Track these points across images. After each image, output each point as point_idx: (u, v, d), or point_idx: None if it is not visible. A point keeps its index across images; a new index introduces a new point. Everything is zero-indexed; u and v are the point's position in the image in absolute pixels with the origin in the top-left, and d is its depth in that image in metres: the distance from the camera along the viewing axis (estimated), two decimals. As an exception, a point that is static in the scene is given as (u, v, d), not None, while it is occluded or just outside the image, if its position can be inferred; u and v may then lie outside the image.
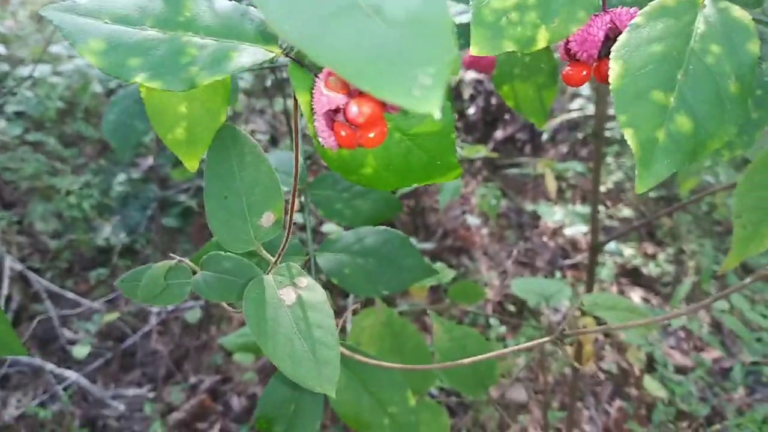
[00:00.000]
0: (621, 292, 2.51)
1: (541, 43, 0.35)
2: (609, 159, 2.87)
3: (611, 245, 2.40)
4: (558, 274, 2.48)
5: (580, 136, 2.95)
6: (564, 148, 2.94)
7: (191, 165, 0.44)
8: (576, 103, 2.85)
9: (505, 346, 2.21)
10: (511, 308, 2.37)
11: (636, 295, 2.50)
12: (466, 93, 2.91)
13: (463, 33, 0.57)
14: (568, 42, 0.38)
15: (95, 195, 2.42)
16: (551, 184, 2.04)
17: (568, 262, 2.56)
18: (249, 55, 0.30)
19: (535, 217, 2.67)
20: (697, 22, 0.33)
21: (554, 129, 2.92)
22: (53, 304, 2.22)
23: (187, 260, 0.52)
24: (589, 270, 1.58)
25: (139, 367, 2.14)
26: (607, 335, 2.31)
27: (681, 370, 2.21)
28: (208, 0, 0.32)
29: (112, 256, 2.37)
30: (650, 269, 2.55)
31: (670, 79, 0.32)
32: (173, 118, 0.43)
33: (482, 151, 1.58)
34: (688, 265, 2.58)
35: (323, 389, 0.33)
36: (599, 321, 1.45)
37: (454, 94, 2.96)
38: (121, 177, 2.50)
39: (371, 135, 0.29)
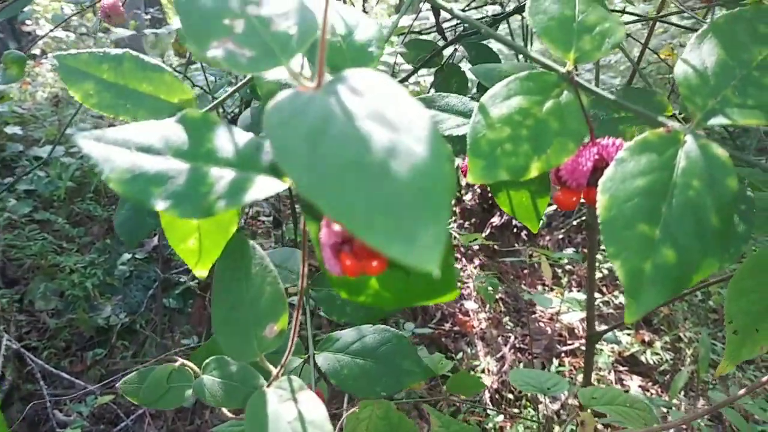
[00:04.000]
0: (619, 380, 2.47)
1: (534, 173, 0.38)
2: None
3: (609, 334, 2.38)
4: (555, 361, 2.44)
5: (575, 223, 2.99)
6: (559, 235, 2.96)
7: (201, 274, 0.45)
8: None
9: (504, 436, 2.15)
10: (510, 396, 2.32)
11: (634, 384, 2.45)
12: (464, 180, 2.96)
13: (460, 141, 0.60)
14: (559, 170, 0.40)
15: (99, 274, 2.42)
16: (547, 272, 2.05)
17: (565, 348, 2.53)
18: (264, 186, 0.32)
19: (533, 303, 2.66)
20: (679, 157, 0.35)
21: (549, 216, 2.95)
22: (47, 385, 2.18)
23: (189, 363, 0.52)
24: (587, 361, 1.56)
25: (132, 452, 2.07)
26: (607, 426, 2.25)
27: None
28: (228, 132, 0.35)
29: (111, 336, 2.34)
30: (648, 357, 2.52)
31: (655, 212, 0.34)
32: (186, 230, 0.45)
33: (479, 239, 1.60)
34: (686, 353, 2.54)
35: None
36: (598, 414, 1.42)
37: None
38: (125, 257, 2.51)
39: (374, 264, 0.30)
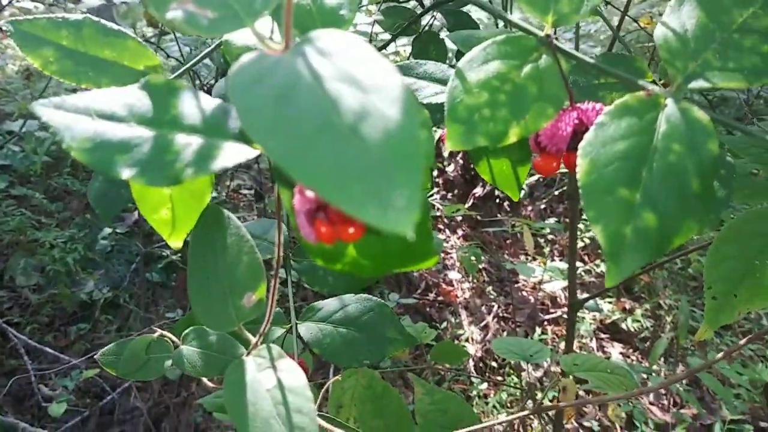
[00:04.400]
0: (600, 347, 2.51)
1: (513, 138, 0.37)
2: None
3: (590, 302, 2.41)
4: (538, 329, 2.47)
5: (556, 193, 3.00)
6: (541, 205, 2.98)
7: (175, 245, 0.44)
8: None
9: (487, 404, 2.18)
10: (493, 364, 2.35)
11: (615, 351, 2.50)
12: (446, 151, 2.95)
13: (439, 109, 0.59)
14: (538, 135, 0.39)
15: (79, 249, 2.39)
16: (529, 242, 2.06)
17: (548, 317, 2.56)
18: (233, 153, 0.31)
19: (515, 272, 2.68)
20: (659, 121, 0.35)
21: (531, 186, 2.96)
22: (31, 360, 2.16)
23: (168, 334, 0.51)
24: (568, 329, 1.58)
25: (117, 425, 2.07)
26: (588, 392, 2.29)
27: (661, 427, 2.18)
28: (194, 97, 0.33)
29: (95, 310, 2.32)
30: (628, 324, 2.56)
31: (635, 176, 0.33)
32: (158, 200, 0.43)
33: (462, 210, 1.60)
34: (666, 320, 2.59)
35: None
36: (579, 380, 1.44)
37: (434, 152, 3.01)
38: (106, 231, 2.48)
39: (350, 230, 0.30)
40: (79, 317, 2.35)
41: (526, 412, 0.65)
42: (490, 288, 2.64)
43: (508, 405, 2.15)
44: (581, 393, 2.28)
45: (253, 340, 0.40)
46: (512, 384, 2.19)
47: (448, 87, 0.37)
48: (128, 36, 0.42)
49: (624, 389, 1.22)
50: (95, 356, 0.55)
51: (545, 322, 2.52)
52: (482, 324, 2.49)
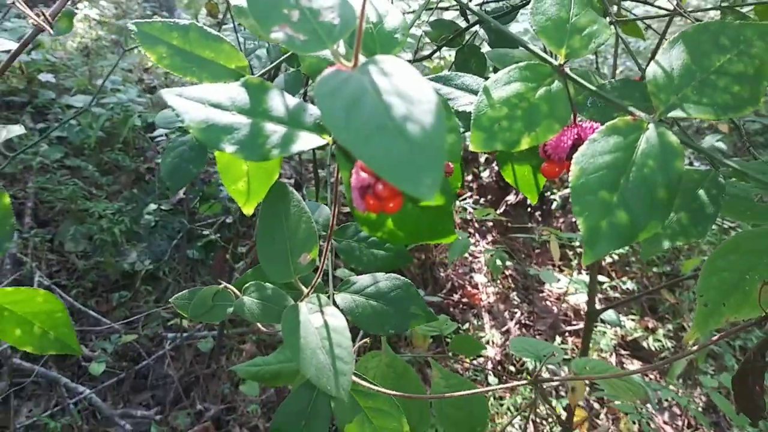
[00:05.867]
0: (620, 363, 2.56)
1: (524, 146, 0.47)
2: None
3: (611, 315, 2.47)
4: (559, 338, 2.54)
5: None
6: (573, 218, 3.03)
7: (248, 211, 0.56)
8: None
9: (501, 405, 2.26)
10: (511, 368, 2.43)
11: (634, 367, 2.55)
12: (482, 157, 3.04)
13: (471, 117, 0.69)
14: (545, 145, 0.49)
15: (126, 222, 2.56)
16: (555, 252, 2.14)
17: (569, 328, 2.62)
18: (308, 140, 0.42)
19: (541, 281, 2.75)
20: (640, 141, 0.45)
21: (564, 198, 3.02)
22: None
23: (231, 286, 0.62)
24: (584, 334, 1.66)
25: (150, 390, 2.22)
26: (602, 404, 2.35)
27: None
28: (280, 95, 0.44)
29: (136, 280, 2.48)
30: (649, 343, 2.61)
31: (615, 183, 0.43)
32: (238, 174, 0.55)
33: (491, 215, 1.69)
34: (687, 342, 2.62)
35: (338, 394, 0.43)
36: (590, 385, 1.51)
37: (470, 157, 3.09)
38: (152, 207, 2.64)
39: (391, 205, 0.40)
40: (120, 285, 2.51)
41: (523, 383, 0.75)
42: (514, 294, 2.72)
43: (522, 408, 2.22)
44: (596, 406, 2.34)
45: (305, 290, 0.51)
46: (526, 389, 2.26)
47: (476, 100, 0.48)
48: (224, 41, 0.53)
49: (632, 396, 1.30)
50: (170, 300, 0.66)
51: (566, 333, 2.59)
52: (504, 329, 2.57)
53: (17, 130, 0.95)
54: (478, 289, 2.69)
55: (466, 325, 2.55)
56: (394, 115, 0.33)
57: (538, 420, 2.19)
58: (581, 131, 0.47)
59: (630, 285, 2.80)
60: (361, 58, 0.39)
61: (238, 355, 2.28)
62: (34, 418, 2.07)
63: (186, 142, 0.90)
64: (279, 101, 0.43)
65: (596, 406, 2.36)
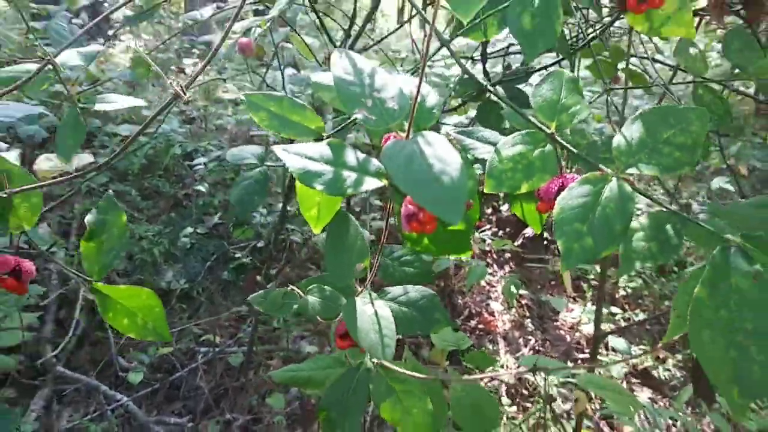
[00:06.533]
0: (630, 390, 2.70)
1: (523, 190, 0.67)
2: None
3: (621, 344, 2.63)
4: (570, 365, 2.70)
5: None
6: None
7: (317, 230, 0.76)
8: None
9: (515, 425, 2.42)
10: (524, 392, 2.59)
11: (644, 395, 2.69)
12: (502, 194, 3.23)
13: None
14: (538, 190, 0.69)
15: (164, 243, 2.78)
16: (568, 282, 2.31)
17: (582, 355, 2.78)
18: (372, 183, 0.62)
19: (555, 310, 2.92)
20: (605, 189, 0.64)
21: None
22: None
23: (297, 288, 0.83)
24: (591, 355, 1.83)
25: (182, 400, 2.41)
26: (611, 427, 2.50)
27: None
28: (353, 151, 0.65)
29: (171, 298, 2.70)
30: (660, 372, 2.75)
31: (585, 218, 0.62)
32: (312, 203, 0.75)
33: (509, 245, 1.88)
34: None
35: (385, 358, 0.62)
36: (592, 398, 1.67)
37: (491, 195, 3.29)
38: (188, 230, 2.87)
39: (428, 227, 0.60)
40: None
41: (524, 371, 0.93)
42: (528, 321, 2.89)
43: (535, 429, 2.38)
44: (603, 427, 2.48)
45: (359, 288, 0.71)
46: (537, 410, 2.42)
47: (489, 156, 0.68)
48: (307, 107, 0.74)
49: (630, 409, 1.47)
50: (248, 298, 0.87)
51: (578, 360, 2.74)
52: (518, 354, 2.73)
53: (87, 158, 1.16)
54: (494, 316, 2.86)
55: (482, 350, 2.72)
56: (434, 171, 0.54)
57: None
58: (565, 180, 0.67)
59: (642, 316, 2.95)
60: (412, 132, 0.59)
61: (265, 369, 2.47)
62: (76, 422, 2.27)
63: (252, 176, 1.11)
64: (352, 155, 0.64)
65: (606, 430, 2.50)
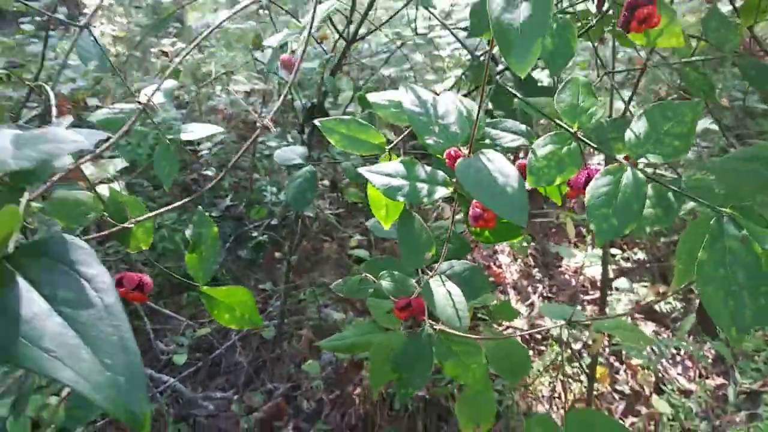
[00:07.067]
0: (634, 324, 2.95)
1: (558, 182, 0.85)
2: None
3: (625, 283, 2.86)
4: (578, 307, 2.93)
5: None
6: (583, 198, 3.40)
7: (387, 226, 0.94)
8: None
9: (532, 367, 2.66)
10: (537, 337, 2.82)
11: (648, 329, 2.93)
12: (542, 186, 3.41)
13: (514, 150, 1.07)
14: (569, 181, 0.87)
15: (184, 230, 2.95)
16: (571, 231, 2.52)
17: (587, 297, 3.01)
18: (441, 191, 0.80)
19: (559, 257, 3.14)
20: (623, 177, 0.82)
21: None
22: (150, 321, 2.72)
23: (369, 275, 1.01)
24: (601, 300, 2.05)
25: (223, 375, 2.62)
26: (621, 361, 2.75)
27: (686, 393, 2.62)
28: (422, 167, 0.83)
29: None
30: (661, 306, 2.99)
31: (611, 203, 0.81)
32: (381, 205, 0.93)
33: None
34: (695, 302, 3.01)
35: (462, 327, 0.81)
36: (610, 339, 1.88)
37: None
38: (204, 215, 3.03)
39: (491, 224, 0.78)
40: (183, 288, 2.91)
41: (555, 326, 1.13)
42: (535, 270, 3.11)
43: (549, 369, 2.62)
44: (616, 364, 2.73)
45: (431, 273, 0.90)
46: (553, 354, 2.66)
47: (528, 158, 0.86)
48: (371, 127, 0.91)
49: (639, 342, 1.68)
50: (331, 286, 1.05)
51: (585, 302, 2.98)
52: (528, 302, 2.96)
53: (120, 163, 1.30)
54: (502, 268, 3.08)
55: (494, 301, 2.94)
56: (498, 182, 0.72)
57: (564, 378, 2.58)
58: (590, 172, 0.85)
59: (641, 255, 3.18)
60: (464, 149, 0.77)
61: (297, 339, 2.68)
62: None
63: (302, 175, 1.29)
64: (422, 170, 0.82)
65: (616, 364, 2.75)
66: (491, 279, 3.05)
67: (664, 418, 2.47)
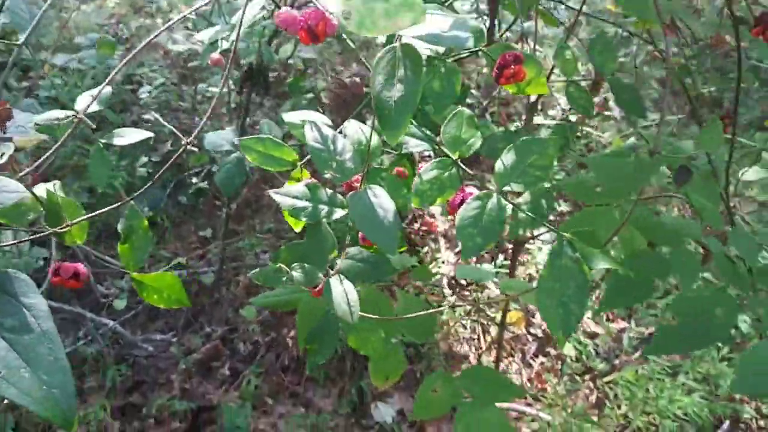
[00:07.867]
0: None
1: (438, 202, 1.04)
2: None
3: (546, 235, 3.14)
4: (502, 256, 3.21)
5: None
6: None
7: (298, 230, 1.12)
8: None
9: (455, 312, 2.94)
10: (462, 282, 3.10)
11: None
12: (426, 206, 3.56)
13: (414, 154, 1.25)
14: (448, 201, 1.06)
15: (123, 175, 3.05)
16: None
17: (511, 246, 3.29)
18: (339, 213, 0.99)
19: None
20: (489, 202, 1.02)
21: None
22: (89, 265, 2.86)
23: (284, 266, 1.20)
24: (512, 261, 2.30)
25: (162, 318, 2.82)
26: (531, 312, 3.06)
27: (592, 335, 2.95)
28: (324, 190, 1.01)
29: (138, 227, 3.01)
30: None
31: (476, 223, 1.01)
32: (294, 222, 1.11)
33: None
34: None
35: (353, 320, 1.02)
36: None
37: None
38: (143, 160, 3.13)
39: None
40: (123, 231, 3.04)
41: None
42: (465, 221, 3.34)
43: (472, 314, 2.91)
44: (531, 308, 3.03)
45: (332, 272, 1.10)
46: (474, 298, 2.94)
47: (415, 182, 1.04)
48: (284, 145, 1.08)
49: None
50: (248, 274, 1.24)
51: (508, 250, 3.26)
52: (457, 250, 3.22)
53: (147, 133, 1.41)
54: (434, 218, 3.31)
55: (425, 249, 3.19)
56: (379, 215, 0.91)
57: (483, 322, 2.88)
58: (464, 194, 1.04)
59: (564, 207, 3.46)
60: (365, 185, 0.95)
61: (236, 285, 2.88)
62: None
63: (231, 160, 1.45)
64: (324, 193, 1.00)
65: (532, 308, 3.07)
66: (424, 228, 3.29)
67: (568, 359, 2.81)
